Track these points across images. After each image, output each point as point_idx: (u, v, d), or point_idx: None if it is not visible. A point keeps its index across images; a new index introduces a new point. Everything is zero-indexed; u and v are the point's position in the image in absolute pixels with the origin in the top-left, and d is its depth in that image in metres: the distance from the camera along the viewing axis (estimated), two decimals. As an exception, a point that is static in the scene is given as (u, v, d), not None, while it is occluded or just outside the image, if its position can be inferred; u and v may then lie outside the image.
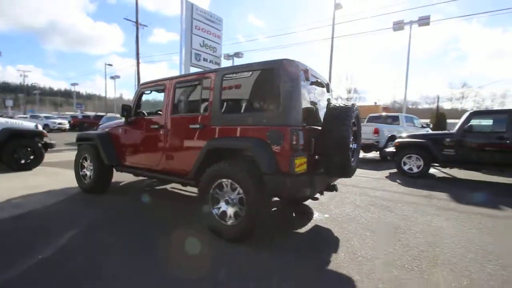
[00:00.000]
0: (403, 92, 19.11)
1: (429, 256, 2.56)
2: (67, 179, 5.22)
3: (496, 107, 39.54)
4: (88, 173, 4.39)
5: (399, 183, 6.01)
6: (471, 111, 6.74)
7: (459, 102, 51.01)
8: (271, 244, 2.72)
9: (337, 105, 2.82)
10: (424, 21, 14.55)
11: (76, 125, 22.79)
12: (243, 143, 2.65)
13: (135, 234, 2.88)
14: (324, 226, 3.27)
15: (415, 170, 6.75)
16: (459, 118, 7.04)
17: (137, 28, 24.40)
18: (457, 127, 6.51)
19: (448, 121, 27.18)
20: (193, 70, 18.54)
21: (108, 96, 47.15)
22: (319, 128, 2.80)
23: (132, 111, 3.83)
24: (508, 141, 5.78)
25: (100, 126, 4.80)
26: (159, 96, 3.70)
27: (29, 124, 6.38)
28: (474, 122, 6.29)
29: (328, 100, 3.17)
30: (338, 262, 2.39)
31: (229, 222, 2.71)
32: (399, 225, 3.34)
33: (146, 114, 3.98)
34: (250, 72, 2.79)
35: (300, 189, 2.47)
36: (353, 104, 2.82)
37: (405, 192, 5.11)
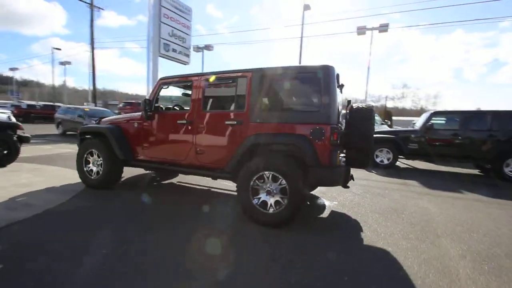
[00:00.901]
0: (358, 91, 20.84)
1: (430, 230, 3.18)
2: (56, 176, 4.89)
3: (430, 107, 45.30)
4: (94, 168, 4.21)
5: (375, 173, 6.85)
6: (432, 111, 7.93)
7: (400, 101, 57.13)
8: (301, 227, 3.07)
9: (360, 106, 3.27)
10: (383, 28, 16.25)
11: (20, 115, 20.13)
12: (291, 139, 2.93)
13: (182, 228, 2.99)
14: (338, 211, 3.75)
15: (386, 162, 7.73)
16: (401, 115, 8.27)
17: (92, 11, 22.33)
18: (420, 125, 7.62)
19: (394, 118, 30.51)
20: (162, 60, 17.83)
21: (48, 83, 41.98)
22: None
23: (152, 106, 3.80)
24: (460, 137, 7.02)
25: (103, 120, 4.58)
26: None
27: (0, 115, 5.70)
28: (434, 120, 7.44)
29: (349, 101, 3.61)
30: (368, 238, 2.86)
31: (270, 210, 2.99)
32: (396, 208, 3.98)
33: (164, 109, 3.98)
34: (290, 74, 3.08)
35: (339, 179, 2.87)
36: (372, 105, 3.30)
37: (386, 181, 5.90)
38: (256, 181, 3.05)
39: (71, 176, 4.87)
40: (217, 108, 3.54)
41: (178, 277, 2.04)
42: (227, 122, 3.28)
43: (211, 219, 3.26)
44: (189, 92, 4.51)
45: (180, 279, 2.02)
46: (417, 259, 2.47)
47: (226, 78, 3.45)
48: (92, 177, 4.21)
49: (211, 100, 3.57)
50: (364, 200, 4.32)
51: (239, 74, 3.32)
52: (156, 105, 3.90)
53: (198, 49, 22.00)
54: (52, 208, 3.32)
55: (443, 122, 7.61)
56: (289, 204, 2.87)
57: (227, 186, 4.82)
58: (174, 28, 18.40)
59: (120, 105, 19.07)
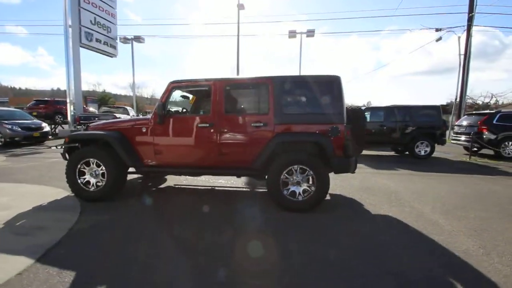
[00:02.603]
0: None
1: (401, 199, 4.31)
2: (29, 193, 4.20)
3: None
4: (93, 179, 3.85)
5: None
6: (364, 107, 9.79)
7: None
8: (318, 209, 3.71)
9: (354, 107, 4.09)
10: (310, 33, 18.39)
11: None
12: (315, 137, 3.50)
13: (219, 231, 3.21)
14: (335, 193, 4.57)
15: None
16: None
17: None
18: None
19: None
20: (83, 51, 15.57)
21: None
22: None
23: (165, 110, 3.76)
24: (385, 127, 9.04)
25: (91, 125, 4.14)
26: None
27: None
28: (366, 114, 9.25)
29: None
30: (371, 209, 3.74)
31: (299, 198, 3.54)
32: (368, 186, 5.07)
33: (173, 112, 3.97)
34: (307, 81, 3.63)
35: (352, 167, 3.62)
36: (360, 107, 4.18)
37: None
38: (286, 174, 3.54)
39: (50, 192, 4.27)
40: (239, 111, 3.79)
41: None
42: (252, 124, 3.62)
43: (242, 214, 3.58)
44: (188, 95, 4.60)
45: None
46: (410, 217, 3.46)
47: (247, 83, 3.75)
48: (90, 189, 3.84)
49: (232, 103, 3.78)
50: (344, 182, 5.29)
51: (261, 80, 3.69)
52: (168, 108, 3.87)
53: (126, 40, 19.81)
54: (73, 227, 3.01)
55: (368, 115, 9.49)
56: (317, 191, 3.48)
57: (226, 183, 5.08)
58: (97, 15, 16.34)
59: (31, 104, 15.65)
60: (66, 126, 15.60)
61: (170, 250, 2.56)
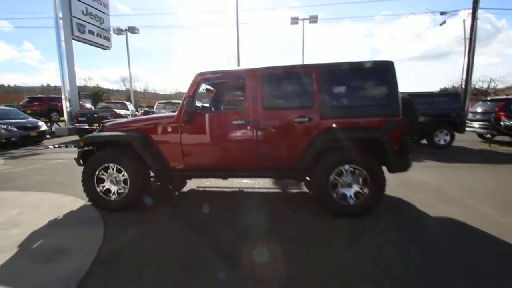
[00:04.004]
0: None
1: (447, 195, 3.96)
2: (39, 203, 3.74)
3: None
4: (113, 187, 3.40)
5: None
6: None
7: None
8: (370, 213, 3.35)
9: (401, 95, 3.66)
10: (313, 19, 17.73)
11: None
12: (369, 132, 3.08)
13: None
14: (390, 195, 4.18)
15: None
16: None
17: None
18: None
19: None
20: (76, 44, 14.76)
21: None
22: None
23: (193, 106, 3.29)
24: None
25: (107, 125, 3.64)
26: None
27: None
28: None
29: None
30: (425, 210, 3.37)
31: (350, 201, 3.15)
32: (408, 182, 4.69)
33: (202, 109, 3.49)
34: (356, 69, 3.19)
35: (410, 164, 3.22)
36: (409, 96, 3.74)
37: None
38: (335, 175, 3.13)
39: (62, 201, 3.80)
40: (279, 105, 3.34)
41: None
42: (295, 120, 3.18)
43: (290, 222, 3.17)
44: (211, 88, 4.11)
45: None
46: (477, 220, 3.10)
47: (288, 73, 3.28)
48: (111, 198, 3.39)
49: (271, 97, 3.32)
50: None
51: (304, 69, 3.23)
52: (195, 104, 3.39)
53: (119, 31, 18.83)
54: (102, 247, 2.57)
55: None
56: (372, 194, 3.08)
57: (254, 184, 4.67)
58: (88, 5, 15.49)
59: (24, 102, 14.87)
60: (63, 124, 14.93)
61: (231, 276, 2.15)
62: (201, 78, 3.36)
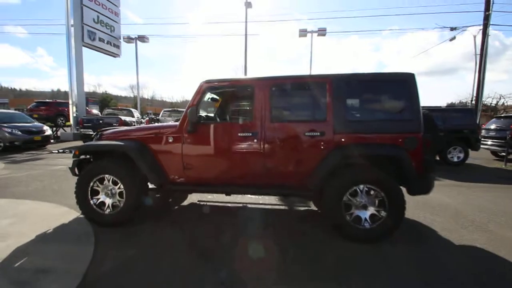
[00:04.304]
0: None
1: (466, 219, 3.62)
2: (28, 213, 3.52)
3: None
4: (108, 200, 3.17)
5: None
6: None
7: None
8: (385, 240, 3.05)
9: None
10: (321, 32, 17.72)
11: None
12: (388, 150, 2.81)
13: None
14: (408, 217, 3.87)
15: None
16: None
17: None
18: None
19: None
20: (86, 51, 14.95)
21: None
22: None
23: (197, 116, 3.07)
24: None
25: (105, 133, 3.45)
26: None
27: None
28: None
29: None
30: (445, 235, 3.05)
31: (366, 225, 2.85)
32: (424, 202, 4.37)
33: (207, 119, 3.28)
34: (375, 80, 2.95)
35: (432, 186, 2.93)
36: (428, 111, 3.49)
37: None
38: (349, 196, 2.85)
39: (55, 212, 3.59)
40: (289, 118, 3.11)
41: None
42: (306, 134, 2.94)
43: (294, 240, 2.89)
44: (216, 97, 3.92)
45: None
46: (506, 248, 2.77)
47: (300, 83, 3.07)
48: (106, 212, 3.15)
49: (280, 108, 3.11)
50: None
51: (316, 79, 3.01)
52: (199, 114, 3.18)
53: (129, 40, 19.09)
54: (89, 269, 2.31)
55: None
56: (390, 217, 2.79)
57: (258, 199, 4.39)
58: (100, 13, 15.72)
59: (31, 106, 14.96)
60: (68, 129, 14.94)
61: None
62: (207, 86, 3.15)
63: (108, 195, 3.17)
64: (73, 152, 3.27)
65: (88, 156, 3.39)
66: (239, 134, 3.04)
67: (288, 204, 4.20)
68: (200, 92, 3.14)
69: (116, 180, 3.11)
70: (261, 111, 3.02)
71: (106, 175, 3.12)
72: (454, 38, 19.76)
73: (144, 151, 3.15)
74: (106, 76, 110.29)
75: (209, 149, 3.13)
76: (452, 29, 19.47)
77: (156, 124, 4.42)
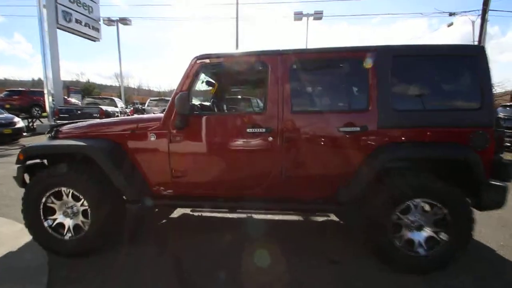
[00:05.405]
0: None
1: None
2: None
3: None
4: (68, 221, 2.31)
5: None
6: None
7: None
8: None
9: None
10: (318, 15, 16.70)
11: None
12: (461, 151, 2.05)
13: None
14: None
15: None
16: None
17: None
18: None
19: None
20: (61, 33, 13.53)
21: None
22: None
23: (188, 105, 2.21)
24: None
25: (63, 129, 2.54)
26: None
27: None
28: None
29: None
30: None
31: (420, 251, 2.13)
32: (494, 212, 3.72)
33: (201, 109, 2.43)
34: (435, 55, 2.16)
35: (506, 196, 2.22)
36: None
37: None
38: (399, 213, 2.11)
39: (6, 232, 2.75)
40: (316, 107, 2.30)
41: None
42: (341, 129, 2.14)
43: (320, 273, 2.14)
44: (212, 80, 3.06)
45: None
46: None
47: (331, 60, 2.24)
48: (66, 237, 2.31)
49: (305, 94, 2.29)
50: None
51: (355, 53, 2.18)
52: (192, 103, 2.33)
53: (110, 22, 17.48)
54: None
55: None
56: (453, 240, 2.07)
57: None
58: (76, -9, 14.15)
59: (3, 95, 13.52)
60: (45, 120, 13.68)
61: None
62: (201, 64, 2.28)
63: (68, 214, 2.31)
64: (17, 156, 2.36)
65: (41, 160, 2.50)
66: (248, 130, 2.21)
67: (303, 215, 3.43)
68: (192, 72, 2.26)
69: (77, 194, 2.25)
70: (278, 98, 2.18)
71: (63, 188, 2.25)
72: (451, 24, 19.25)
73: (116, 153, 2.29)
74: (90, 64, 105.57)
75: (205, 150, 2.29)
76: (450, 14, 18.95)
77: (134, 116, 3.54)
